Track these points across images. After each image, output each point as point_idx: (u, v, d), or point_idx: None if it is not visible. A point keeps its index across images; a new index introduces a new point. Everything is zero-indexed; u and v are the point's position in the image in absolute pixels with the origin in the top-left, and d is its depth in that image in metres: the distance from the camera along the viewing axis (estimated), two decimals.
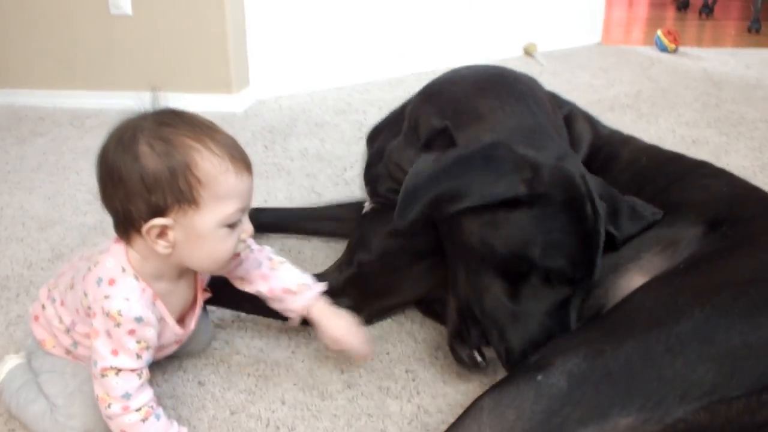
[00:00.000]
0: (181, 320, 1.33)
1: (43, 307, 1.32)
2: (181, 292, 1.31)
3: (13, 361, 1.40)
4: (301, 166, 2.58)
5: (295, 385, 1.46)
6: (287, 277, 1.40)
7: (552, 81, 3.50)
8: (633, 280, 1.33)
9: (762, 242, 1.21)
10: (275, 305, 1.42)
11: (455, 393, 1.43)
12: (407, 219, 1.25)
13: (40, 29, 3.30)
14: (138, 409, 1.17)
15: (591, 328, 1.14)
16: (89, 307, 1.20)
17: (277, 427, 1.35)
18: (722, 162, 2.45)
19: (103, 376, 1.16)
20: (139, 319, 1.17)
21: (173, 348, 1.37)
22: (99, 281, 1.19)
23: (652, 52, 4.23)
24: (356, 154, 2.63)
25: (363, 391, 1.44)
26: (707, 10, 5.46)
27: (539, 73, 3.68)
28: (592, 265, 1.29)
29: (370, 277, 1.49)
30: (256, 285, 1.40)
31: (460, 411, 1.26)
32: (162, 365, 1.48)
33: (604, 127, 1.71)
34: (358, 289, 1.52)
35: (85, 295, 1.21)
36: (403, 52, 3.85)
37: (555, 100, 1.66)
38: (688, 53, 4.18)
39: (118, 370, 1.16)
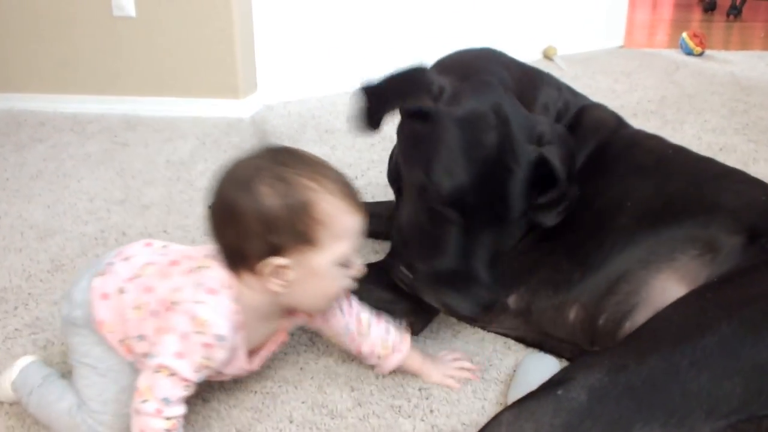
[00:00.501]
0: (249, 354, 1.35)
1: (122, 290, 1.29)
2: (263, 330, 1.35)
3: (27, 359, 1.42)
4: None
5: (303, 403, 1.46)
6: (375, 340, 1.46)
7: (572, 86, 3.48)
8: (668, 281, 1.32)
9: None
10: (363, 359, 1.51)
11: (470, 412, 1.43)
12: (357, 130, 1.50)
13: (40, 31, 3.32)
14: (168, 418, 1.18)
15: (616, 345, 1.14)
16: (175, 302, 1.22)
17: None
18: (751, 170, 2.42)
19: (156, 371, 1.18)
20: (220, 338, 1.20)
21: (226, 378, 1.39)
22: (198, 285, 1.22)
23: (677, 55, 4.22)
24: (368, 161, 2.64)
25: (374, 409, 1.44)
26: (735, 12, 5.44)
27: (558, 78, 3.67)
28: (497, 208, 1.37)
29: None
30: (344, 344, 1.48)
31: (475, 430, 1.27)
32: None
33: (632, 126, 1.74)
34: (408, 301, 1.55)
35: (178, 290, 1.23)
36: (417, 56, 3.83)
37: (572, 91, 1.79)
38: (714, 57, 4.17)
39: (173, 374, 1.18)
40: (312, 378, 1.53)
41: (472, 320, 1.58)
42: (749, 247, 1.30)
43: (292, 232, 1.18)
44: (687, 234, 1.37)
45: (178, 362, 1.18)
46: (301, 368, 1.56)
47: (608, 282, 1.40)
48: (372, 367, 1.53)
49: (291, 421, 1.41)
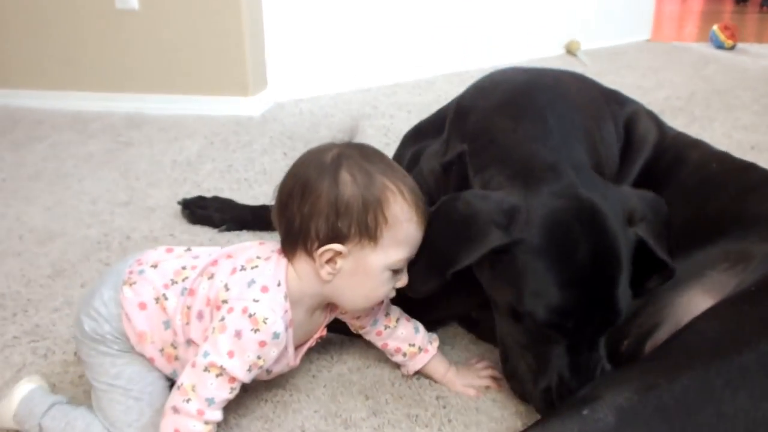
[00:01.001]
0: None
1: (165, 297, 1.30)
2: (307, 327, 1.38)
3: (26, 386, 1.39)
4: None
5: (316, 412, 1.45)
6: (403, 336, 1.50)
7: None
8: (695, 299, 1.31)
9: None
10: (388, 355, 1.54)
11: (489, 421, 1.42)
12: (419, 292, 1.35)
13: (38, 24, 3.33)
14: (207, 422, 1.21)
15: (645, 360, 1.13)
16: (225, 301, 1.25)
17: None
18: None
19: (206, 370, 1.20)
20: (276, 335, 1.24)
21: (269, 376, 1.40)
22: (251, 283, 1.26)
23: (706, 49, 4.21)
24: None
25: (390, 419, 1.43)
26: None
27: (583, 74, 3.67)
28: (605, 316, 1.28)
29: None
30: (370, 337, 1.51)
31: None
32: None
33: (671, 128, 1.71)
34: (411, 300, 1.52)
35: (227, 288, 1.26)
36: (434, 51, 3.84)
37: (615, 97, 1.69)
38: (747, 50, 4.15)
39: (222, 373, 1.21)
40: (325, 386, 1.53)
41: None
42: None
43: (359, 223, 1.24)
44: (720, 251, 1.36)
45: (230, 361, 1.21)
46: (313, 376, 1.55)
47: (634, 308, 1.37)
48: (387, 373, 1.54)
49: (303, 431, 1.41)
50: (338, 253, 1.25)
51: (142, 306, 1.30)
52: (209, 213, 2.24)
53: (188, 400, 1.20)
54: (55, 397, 1.38)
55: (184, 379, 1.21)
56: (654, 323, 1.36)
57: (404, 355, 1.50)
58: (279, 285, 1.27)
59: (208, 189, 2.46)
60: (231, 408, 1.45)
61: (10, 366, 1.60)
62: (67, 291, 1.89)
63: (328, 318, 1.43)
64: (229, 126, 3.12)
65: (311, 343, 1.43)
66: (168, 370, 1.34)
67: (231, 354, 1.21)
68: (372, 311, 1.44)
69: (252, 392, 1.49)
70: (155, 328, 1.30)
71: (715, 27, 4.22)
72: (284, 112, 3.30)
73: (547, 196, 1.29)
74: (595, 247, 1.25)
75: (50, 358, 1.63)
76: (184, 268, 1.32)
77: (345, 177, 1.24)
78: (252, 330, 1.21)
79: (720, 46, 4.16)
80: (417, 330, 1.51)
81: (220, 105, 3.25)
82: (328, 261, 1.26)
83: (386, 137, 2.84)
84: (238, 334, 1.21)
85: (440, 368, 1.52)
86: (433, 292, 1.33)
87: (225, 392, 1.22)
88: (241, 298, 1.24)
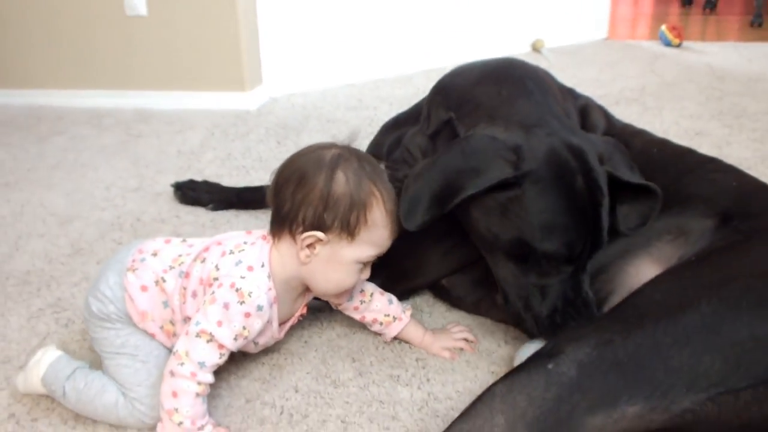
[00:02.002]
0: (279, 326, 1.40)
1: (163, 279, 1.32)
2: (290, 305, 1.40)
3: (53, 354, 1.39)
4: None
5: (308, 373, 1.46)
6: (377, 308, 1.51)
7: (559, 76, 3.43)
8: (642, 266, 1.33)
9: None
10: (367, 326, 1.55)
11: (464, 380, 1.43)
12: (414, 223, 1.30)
13: (58, 31, 3.31)
14: (199, 383, 1.22)
15: (601, 319, 1.14)
16: (216, 279, 1.27)
17: (291, 415, 1.35)
18: (724, 153, 2.43)
19: (197, 336, 1.23)
20: (259, 308, 1.26)
21: (256, 348, 1.42)
22: (238, 263, 1.28)
23: (656, 47, 4.21)
24: (365, 147, 2.63)
25: (374, 378, 1.44)
26: (711, 5, 5.43)
27: (546, 69, 3.66)
28: (594, 241, 1.30)
29: (396, 260, 1.48)
30: (349, 312, 1.51)
31: (469, 397, 1.27)
32: None
33: (618, 120, 1.71)
34: (386, 270, 1.52)
35: (217, 268, 1.28)
36: (413, 50, 3.84)
37: (570, 93, 1.69)
38: (692, 48, 4.15)
39: (212, 339, 1.23)
40: (316, 350, 1.53)
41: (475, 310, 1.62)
42: (721, 229, 1.30)
43: (342, 219, 1.26)
44: (663, 225, 1.36)
45: (219, 330, 1.23)
46: (305, 342, 1.56)
47: (591, 276, 1.39)
48: (372, 339, 1.55)
49: (296, 391, 1.41)
50: (319, 240, 1.27)
51: (144, 288, 1.32)
52: (199, 194, 2.25)
53: (182, 364, 1.22)
54: (77, 363, 1.38)
55: (179, 346, 1.24)
56: (609, 289, 1.37)
57: (380, 324, 1.51)
58: (263, 266, 1.29)
59: (209, 175, 2.45)
60: (231, 370, 1.46)
61: (37, 334, 1.61)
62: (84, 267, 1.89)
63: (308, 297, 1.44)
64: (228, 119, 3.11)
65: (293, 320, 1.44)
66: (168, 344, 1.35)
67: (219, 323, 1.23)
68: (346, 291, 1.43)
69: (250, 356, 1.49)
70: (155, 307, 1.33)
71: (663, 27, 4.21)
72: (278, 106, 3.28)
73: (544, 137, 1.31)
74: (585, 178, 1.29)
75: (71, 327, 1.63)
76: (180, 255, 1.35)
77: (340, 176, 1.26)
78: (238, 302, 1.24)
79: (668, 44, 4.16)
80: (390, 301, 1.52)
81: (219, 100, 3.24)
82: (309, 246, 1.28)
83: (370, 127, 2.82)
84: (226, 306, 1.23)
85: (417, 333, 1.52)
86: (423, 228, 1.30)
87: (215, 357, 1.24)
88: (229, 275, 1.26)
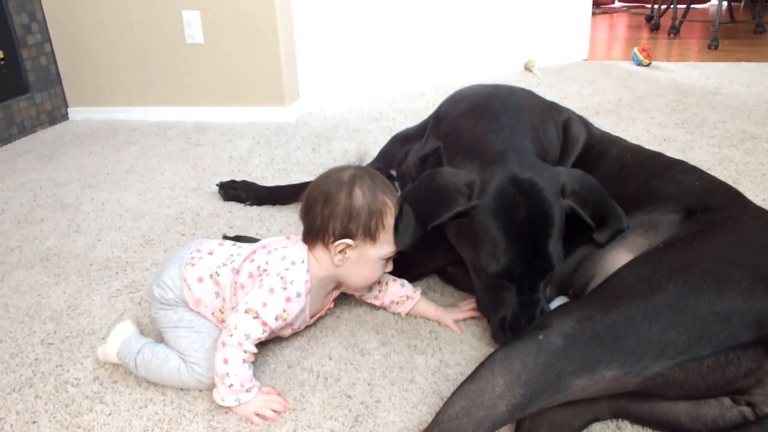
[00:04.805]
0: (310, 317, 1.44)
1: (217, 273, 1.34)
2: (321, 300, 1.43)
3: (124, 331, 1.41)
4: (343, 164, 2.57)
5: (339, 343, 1.46)
6: (392, 292, 1.53)
7: (548, 91, 3.46)
8: (618, 255, 1.32)
9: (729, 227, 1.20)
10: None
11: (470, 349, 1.43)
12: (405, 243, 1.33)
13: (129, 58, 3.32)
14: (245, 351, 1.24)
15: (585, 298, 1.13)
16: (265, 270, 1.30)
17: (326, 378, 1.35)
18: (687, 156, 2.41)
19: (245, 312, 1.25)
20: (298, 294, 1.29)
21: (289, 333, 1.44)
22: (283, 258, 1.31)
23: (629, 66, 4.16)
24: None
25: (395, 348, 1.44)
26: (675, 31, 5.38)
27: (536, 85, 3.64)
28: (540, 265, 1.28)
29: (406, 253, 1.48)
30: (370, 300, 1.54)
31: (475, 364, 1.26)
32: None
33: (597, 129, 1.69)
34: (399, 260, 1.52)
35: (266, 263, 1.31)
36: (425, 69, 3.83)
37: (554, 107, 1.66)
38: (659, 67, 4.11)
39: (257, 317, 1.25)
40: (346, 324, 1.53)
41: None
42: (686, 221, 1.28)
43: (365, 226, 1.29)
44: (637, 220, 1.35)
45: (264, 309, 1.25)
46: (337, 317, 1.56)
47: (575, 264, 1.40)
48: (392, 315, 1.55)
49: (330, 358, 1.41)
50: (348, 246, 1.30)
51: (200, 280, 1.34)
52: (238, 192, 2.27)
53: (231, 335, 1.24)
54: (144, 339, 1.39)
55: (229, 321, 1.25)
56: (591, 275, 1.36)
57: (396, 304, 1.53)
58: (303, 262, 1.32)
59: (256, 177, 2.45)
60: (275, 341, 1.46)
61: (115, 311, 1.62)
62: (154, 255, 1.90)
63: (335, 294, 1.47)
64: (271, 129, 3.10)
65: (323, 312, 1.47)
66: (218, 326, 1.37)
67: (264, 304, 1.25)
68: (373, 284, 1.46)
69: None
70: (208, 296, 1.34)
71: (635, 49, 4.17)
72: (312, 118, 3.28)
73: (497, 173, 1.30)
74: (531, 210, 1.27)
75: (143, 305, 1.65)
76: (231, 255, 1.37)
77: (357, 192, 1.29)
78: (282, 288, 1.27)
79: (639, 63, 4.11)
80: (402, 285, 1.53)
81: (264, 114, 3.24)
82: (341, 251, 1.31)
83: (389, 135, 2.78)
84: (271, 290, 1.26)
85: (430, 309, 1.53)
86: (417, 244, 1.33)
87: (258, 332, 1.25)
88: (275, 267, 1.30)
